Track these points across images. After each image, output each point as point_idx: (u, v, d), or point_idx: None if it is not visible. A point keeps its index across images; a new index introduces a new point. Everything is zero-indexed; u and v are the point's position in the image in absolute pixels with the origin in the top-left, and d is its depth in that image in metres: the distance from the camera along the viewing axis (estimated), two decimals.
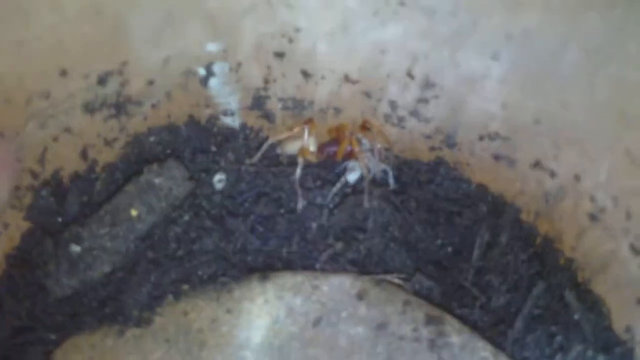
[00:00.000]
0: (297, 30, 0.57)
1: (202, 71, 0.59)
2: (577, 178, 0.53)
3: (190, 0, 0.55)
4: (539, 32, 0.51)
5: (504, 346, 0.51)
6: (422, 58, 0.56)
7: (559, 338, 0.51)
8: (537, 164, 0.56)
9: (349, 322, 0.51)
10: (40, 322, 0.54)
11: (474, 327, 0.52)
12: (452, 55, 0.55)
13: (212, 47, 0.58)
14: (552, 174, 0.55)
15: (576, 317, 0.51)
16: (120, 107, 0.58)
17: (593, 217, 0.52)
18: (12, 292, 0.55)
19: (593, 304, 0.52)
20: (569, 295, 0.52)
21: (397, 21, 0.55)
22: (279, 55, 0.58)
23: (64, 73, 0.54)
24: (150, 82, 0.58)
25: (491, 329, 0.52)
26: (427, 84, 0.57)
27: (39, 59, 0.52)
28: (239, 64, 0.59)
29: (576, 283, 0.53)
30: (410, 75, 0.57)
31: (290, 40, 0.58)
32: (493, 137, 0.57)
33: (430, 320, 0.51)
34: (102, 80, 0.56)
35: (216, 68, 0.59)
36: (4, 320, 0.53)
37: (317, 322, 0.51)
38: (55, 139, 0.56)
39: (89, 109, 0.57)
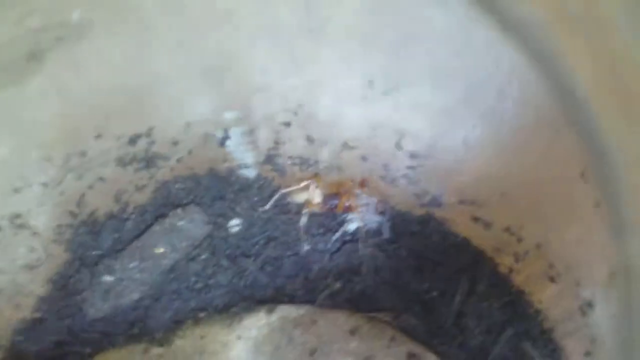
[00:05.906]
0: (300, 105, 0.60)
1: (219, 134, 0.61)
2: (538, 246, 0.55)
3: (210, 80, 0.57)
4: None
5: None
6: (407, 135, 0.58)
7: None
8: (507, 229, 0.58)
9: (340, 353, 0.54)
10: (78, 337, 0.57)
11: None
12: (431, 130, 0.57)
13: (229, 115, 0.60)
14: (519, 239, 0.57)
15: None
16: (149, 161, 0.60)
17: (552, 279, 0.54)
18: (54, 311, 0.58)
19: (553, 352, 0.54)
20: (526, 345, 0.55)
21: (385, 101, 0.57)
22: (286, 124, 0.61)
23: (99, 136, 0.57)
24: (175, 143, 0.60)
25: None
26: (412, 155, 0.60)
27: (78, 124, 0.55)
28: (252, 130, 0.61)
29: (542, 331, 0.55)
30: (398, 146, 0.60)
31: (295, 114, 0.60)
32: (469, 202, 0.60)
33: (411, 356, 0.55)
34: (132, 141, 0.58)
35: (232, 132, 0.61)
36: (47, 334, 0.56)
37: (312, 352, 0.55)
38: (90, 187, 0.58)
39: (121, 163, 0.59)
